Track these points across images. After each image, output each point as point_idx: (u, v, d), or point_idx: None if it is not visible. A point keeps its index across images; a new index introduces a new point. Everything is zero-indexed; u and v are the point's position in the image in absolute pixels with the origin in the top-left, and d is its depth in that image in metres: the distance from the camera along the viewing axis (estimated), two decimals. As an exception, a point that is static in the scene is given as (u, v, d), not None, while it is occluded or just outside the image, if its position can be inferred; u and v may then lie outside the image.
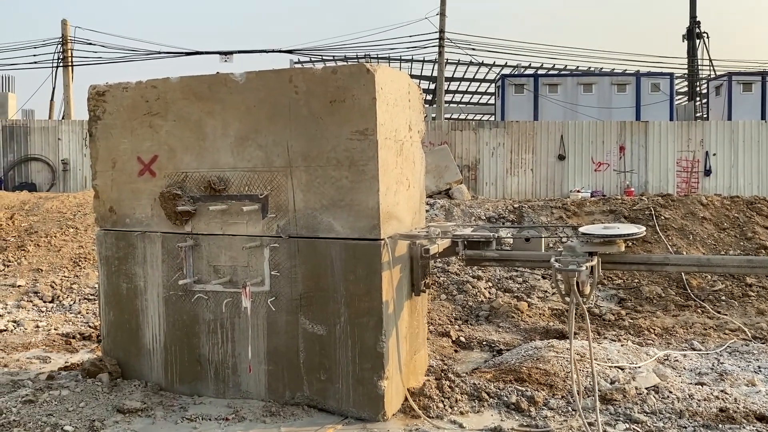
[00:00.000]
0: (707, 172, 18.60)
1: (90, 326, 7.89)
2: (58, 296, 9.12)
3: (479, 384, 5.40)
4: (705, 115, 27.63)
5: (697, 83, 28.90)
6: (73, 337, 7.38)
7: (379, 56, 27.40)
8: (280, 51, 24.71)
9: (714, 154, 18.61)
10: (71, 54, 24.28)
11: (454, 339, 7.45)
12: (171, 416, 4.94)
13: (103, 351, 5.80)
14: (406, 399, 5.05)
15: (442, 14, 24.20)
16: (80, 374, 5.64)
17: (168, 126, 5.36)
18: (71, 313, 8.54)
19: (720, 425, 4.76)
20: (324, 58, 27.13)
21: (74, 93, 24.38)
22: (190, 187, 5.33)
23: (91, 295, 9.14)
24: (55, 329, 7.82)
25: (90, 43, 24.20)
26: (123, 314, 5.62)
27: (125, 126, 5.51)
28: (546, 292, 9.16)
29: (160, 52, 24.54)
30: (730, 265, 5.10)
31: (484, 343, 7.34)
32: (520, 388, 5.36)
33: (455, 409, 5.05)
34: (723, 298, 8.89)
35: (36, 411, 4.87)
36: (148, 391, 5.36)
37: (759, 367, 6.29)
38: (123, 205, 5.59)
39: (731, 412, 4.93)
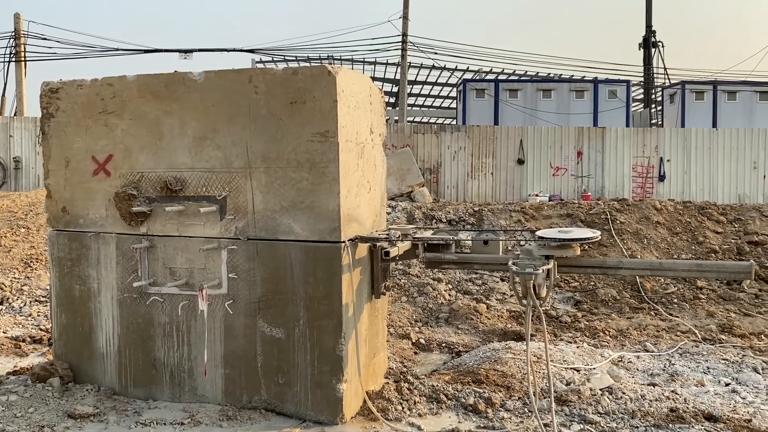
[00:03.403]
0: (661, 178, 19.08)
1: (41, 329, 7.67)
2: (8, 298, 8.83)
3: (438, 386, 5.43)
4: (660, 122, 28.35)
5: (653, 91, 29.64)
6: (23, 341, 7.15)
7: (341, 58, 27.36)
8: (241, 50, 24.45)
9: (668, 160, 19.11)
10: (24, 49, 23.59)
11: (414, 341, 7.48)
12: (124, 421, 4.84)
13: (55, 355, 5.65)
14: (364, 402, 5.04)
15: (405, 17, 24.29)
16: (30, 379, 5.48)
17: (124, 125, 5.26)
18: (21, 315, 8.29)
19: (670, 425, 4.88)
20: (286, 58, 26.97)
21: (27, 89, 23.70)
22: (146, 188, 5.24)
23: (42, 297, 8.89)
24: (3, 332, 7.56)
25: (44, 38, 23.54)
26: (75, 317, 5.48)
27: (79, 124, 5.39)
28: (504, 294, 9.27)
29: (117, 49, 24.01)
30: (681, 269, 5.24)
31: (444, 345, 7.39)
32: (477, 389, 5.41)
33: (414, 411, 5.07)
34: (675, 300, 9.13)
35: (-18, 417, 4.71)
36: (101, 395, 5.24)
37: (708, 368, 6.48)
38: (76, 205, 5.46)
39: (681, 412, 5.07)
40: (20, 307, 8.56)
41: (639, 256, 10.25)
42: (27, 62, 23.75)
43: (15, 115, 22.75)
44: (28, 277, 9.57)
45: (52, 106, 5.47)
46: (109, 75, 5.30)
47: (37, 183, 18.92)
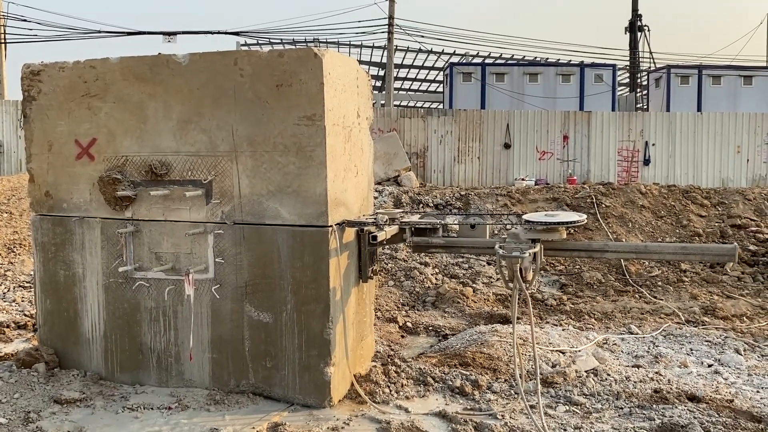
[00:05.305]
0: (646, 162, 19.21)
1: (25, 315, 7.61)
2: (-9, 284, 8.74)
3: (425, 369, 5.46)
4: (645, 106, 28.49)
5: (638, 75, 29.75)
6: (7, 326, 7.09)
7: (327, 41, 27.15)
8: (226, 33, 24.17)
9: (653, 144, 19.22)
10: (4, 31, 23.18)
11: (401, 325, 7.51)
12: (111, 406, 4.82)
13: (40, 340, 5.61)
14: (352, 385, 5.06)
15: (392, 0, 24.13)
16: (14, 364, 5.44)
17: (107, 108, 5.19)
18: (5, 301, 8.21)
19: (654, 405, 4.94)
20: (271, 41, 26.73)
21: (7, 72, 23.32)
22: (130, 172, 5.18)
23: (26, 282, 8.81)
24: (-13, 318, 7.50)
25: (24, 20, 23.12)
26: (60, 302, 5.44)
27: (62, 107, 5.31)
28: (491, 277, 9.32)
29: (100, 32, 23.66)
30: (666, 252, 5.29)
31: (431, 328, 7.43)
32: (464, 372, 5.45)
33: (401, 393, 5.09)
34: (659, 283, 9.23)
35: (-34, 403, 4.67)
36: (87, 380, 5.22)
37: (691, 350, 6.56)
38: (60, 189, 5.39)
39: (665, 392, 5.14)
40: (4, 293, 8.48)
41: (624, 240, 10.34)
42: (7, 44, 23.35)
43: (-4, 98, 22.39)
44: (11, 263, 9.48)
45: (34, 89, 5.38)
46: (92, 57, 5.22)
47: (20, 167, 18.69)
